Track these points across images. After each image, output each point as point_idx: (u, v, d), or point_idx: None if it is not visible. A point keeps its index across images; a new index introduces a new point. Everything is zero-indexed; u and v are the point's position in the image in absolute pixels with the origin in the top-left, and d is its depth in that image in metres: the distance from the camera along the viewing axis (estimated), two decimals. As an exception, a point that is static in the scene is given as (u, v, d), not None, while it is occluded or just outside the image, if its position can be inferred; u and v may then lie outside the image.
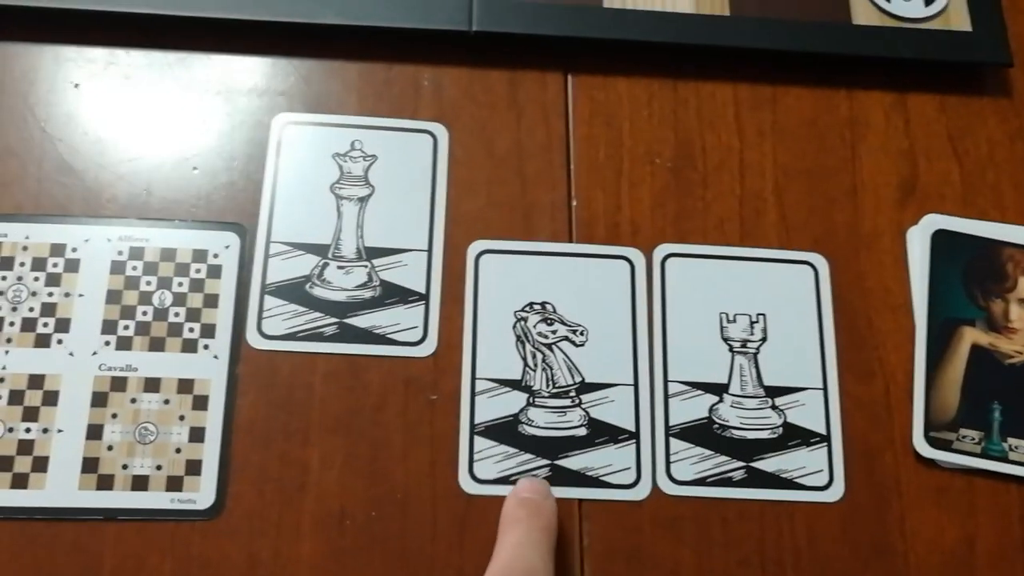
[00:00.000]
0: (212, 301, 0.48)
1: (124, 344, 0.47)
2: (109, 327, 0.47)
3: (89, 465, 0.45)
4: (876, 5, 0.57)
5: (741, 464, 0.48)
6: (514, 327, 0.49)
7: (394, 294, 0.50)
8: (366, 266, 0.50)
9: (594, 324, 0.50)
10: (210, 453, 0.46)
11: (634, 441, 0.48)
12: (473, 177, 0.53)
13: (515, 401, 0.48)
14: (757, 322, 0.50)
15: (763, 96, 0.56)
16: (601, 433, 0.48)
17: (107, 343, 0.47)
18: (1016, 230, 0.54)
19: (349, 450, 0.47)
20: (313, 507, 0.46)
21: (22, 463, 0.45)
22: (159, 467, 0.46)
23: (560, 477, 0.47)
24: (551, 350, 0.49)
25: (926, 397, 0.50)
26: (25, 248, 0.49)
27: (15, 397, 0.46)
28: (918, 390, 0.50)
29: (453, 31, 0.54)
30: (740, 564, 0.46)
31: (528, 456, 0.47)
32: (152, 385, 0.47)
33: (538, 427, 0.48)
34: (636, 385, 0.49)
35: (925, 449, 0.49)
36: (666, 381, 0.49)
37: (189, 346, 0.47)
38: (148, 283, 0.48)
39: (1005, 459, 0.49)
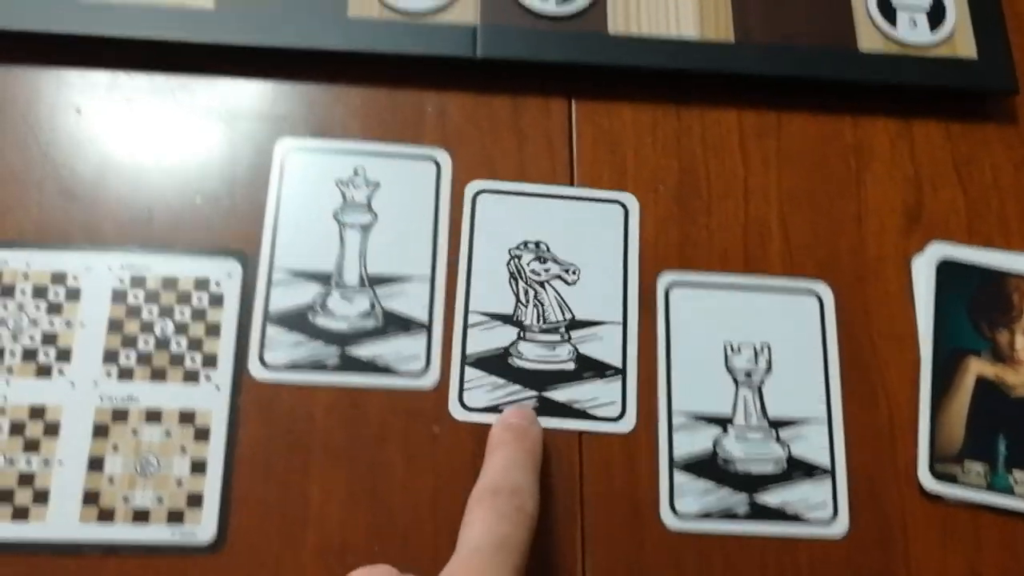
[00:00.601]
0: (214, 330, 0.48)
1: (125, 374, 0.47)
2: (110, 357, 0.47)
3: (90, 497, 0.45)
4: (881, 32, 0.57)
5: (745, 497, 0.48)
6: (508, 264, 0.50)
7: (396, 323, 0.49)
8: (368, 294, 0.50)
9: (586, 264, 0.51)
10: (211, 485, 0.46)
11: (620, 376, 0.49)
12: (477, 204, 0.52)
13: (506, 335, 0.49)
14: (762, 352, 0.50)
15: (768, 123, 0.56)
16: (588, 368, 0.49)
17: (108, 373, 0.47)
18: (1022, 259, 0.53)
19: (351, 482, 0.46)
20: (315, 540, 0.45)
21: (23, 495, 0.45)
22: (160, 499, 0.45)
23: (547, 408, 0.48)
24: (543, 287, 0.50)
25: (931, 429, 0.49)
26: (26, 276, 0.48)
27: (16, 428, 0.46)
28: (923, 422, 0.50)
29: (458, 57, 0.53)
30: (744, 598, 0.46)
31: (517, 387, 0.49)
32: (153, 416, 0.46)
33: (528, 360, 0.49)
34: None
35: (930, 483, 0.48)
36: (670, 413, 0.49)
37: (191, 376, 0.47)
38: (149, 312, 0.48)
39: (1011, 492, 0.49)
